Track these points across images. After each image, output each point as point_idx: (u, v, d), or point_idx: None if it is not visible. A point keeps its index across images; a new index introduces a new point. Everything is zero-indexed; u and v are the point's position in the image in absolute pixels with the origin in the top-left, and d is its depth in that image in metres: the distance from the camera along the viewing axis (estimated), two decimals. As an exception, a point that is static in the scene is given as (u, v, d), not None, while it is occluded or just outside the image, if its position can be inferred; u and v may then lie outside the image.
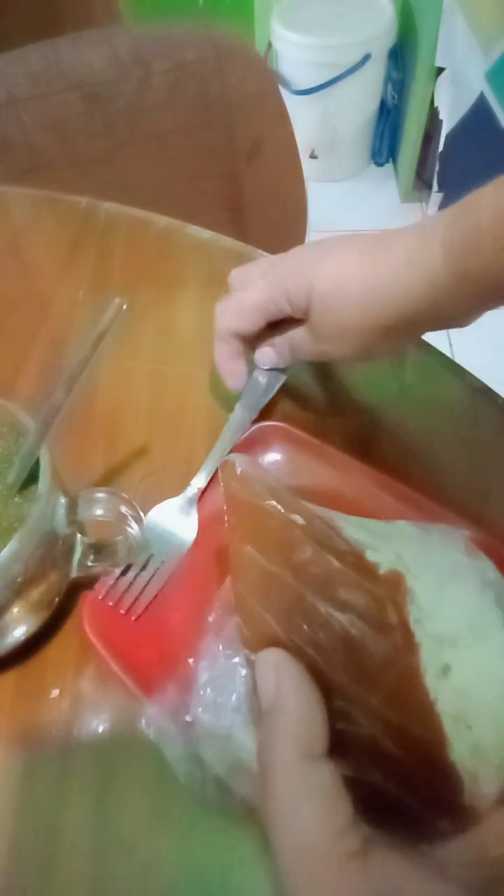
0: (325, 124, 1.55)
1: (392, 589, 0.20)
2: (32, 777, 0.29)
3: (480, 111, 1.27)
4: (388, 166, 1.72)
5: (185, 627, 0.31)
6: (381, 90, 1.56)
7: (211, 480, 0.36)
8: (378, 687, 0.20)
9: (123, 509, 0.30)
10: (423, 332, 0.34)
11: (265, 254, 0.50)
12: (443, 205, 1.50)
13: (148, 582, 0.33)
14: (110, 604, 0.32)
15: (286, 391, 0.40)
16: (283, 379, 0.39)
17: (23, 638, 0.30)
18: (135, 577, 0.33)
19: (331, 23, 1.43)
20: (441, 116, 1.37)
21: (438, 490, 0.34)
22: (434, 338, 0.42)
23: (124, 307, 0.26)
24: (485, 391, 0.41)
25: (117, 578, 0.33)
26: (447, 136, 1.38)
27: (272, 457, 0.37)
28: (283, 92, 0.76)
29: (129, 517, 0.30)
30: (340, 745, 0.20)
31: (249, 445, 0.37)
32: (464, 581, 0.22)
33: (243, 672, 0.26)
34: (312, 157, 1.63)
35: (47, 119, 0.68)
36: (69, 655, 0.32)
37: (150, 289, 0.49)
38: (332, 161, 1.65)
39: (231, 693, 0.26)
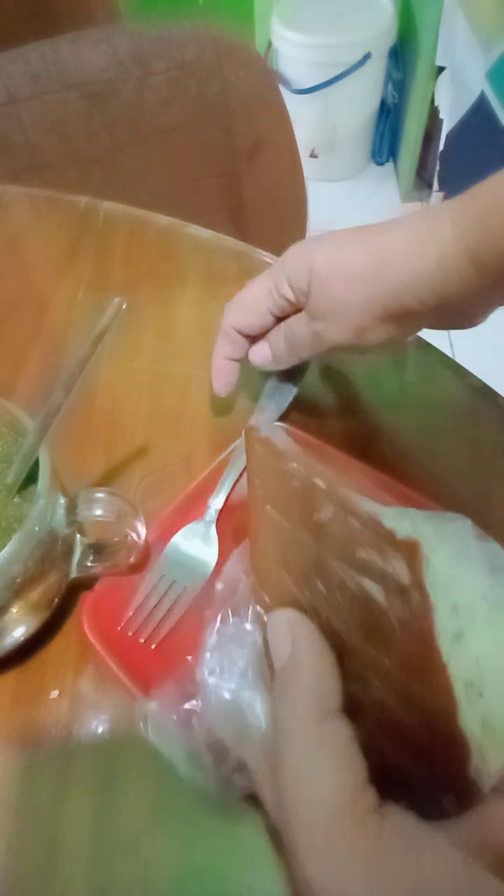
0: (325, 123, 1.55)
1: (409, 552, 0.20)
2: (32, 777, 0.29)
3: (481, 111, 1.27)
4: (389, 166, 1.72)
5: (185, 628, 0.31)
6: (381, 89, 1.56)
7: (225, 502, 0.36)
8: (392, 648, 0.20)
9: (123, 509, 0.30)
10: (421, 326, 0.33)
11: (265, 253, 0.50)
12: (443, 204, 1.49)
13: (169, 610, 0.32)
14: (130, 634, 0.31)
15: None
16: (294, 392, 0.38)
17: (22, 638, 0.30)
18: (155, 606, 0.32)
19: (331, 22, 1.43)
20: (441, 116, 1.37)
21: (439, 490, 0.34)
22: (434, 337, 0.42)
23: (124, 307, 0.26)
24: (485, 391, 0.41)
25: (138, 607, 0.32)
26: (447, 136, 1.38)
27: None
28: (283, 91, 0.76)
29: (129, 517, 0.30)
30: (351, 709, 0.21)
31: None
32: (476, 561, 0.22)
33: (252, 638, 0.26)
34: (312, 156, 1.63)
35: (47, 118, 0.68)
36: (69, 656, 0.32)
37: (150, 288, 0.49)
38: (332, 160, 1.65)
39: (239, 658, 0.25)
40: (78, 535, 0.32)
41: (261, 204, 0.78)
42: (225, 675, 0.24)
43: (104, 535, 0.33)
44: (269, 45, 1.48)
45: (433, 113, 1.40)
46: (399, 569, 0.20)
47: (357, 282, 0.30)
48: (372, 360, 0.43)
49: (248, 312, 0.35)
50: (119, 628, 0.31)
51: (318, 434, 0.37)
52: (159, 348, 0.46)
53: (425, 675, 0.20)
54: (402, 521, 0.21)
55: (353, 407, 0.42)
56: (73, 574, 0.32)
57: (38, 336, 0.46)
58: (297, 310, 0.34)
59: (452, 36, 1.26)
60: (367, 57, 1.42)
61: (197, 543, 0.34)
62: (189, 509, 0.35)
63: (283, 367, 0.37)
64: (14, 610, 0.29)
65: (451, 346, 1.28)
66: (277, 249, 0.38)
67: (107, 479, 0.38)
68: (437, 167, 1.45)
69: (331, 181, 1.69)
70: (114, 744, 0.29)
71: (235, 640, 0.26)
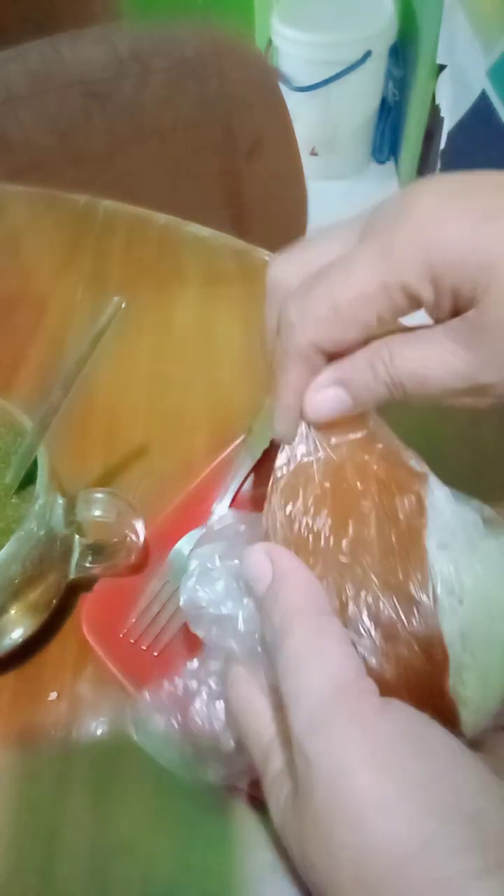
0: (325, 122, 1.55)
1: (417, 478, 0.21)
2: (31, 779, 0.29)
3: (482, 109, 1.27)
4: (390, 164, 1.72)
5: (187, 635, 0.31)
6: (382, 87, 1.56)
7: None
8: (379, 541, 0.21)
9: (122, 510, 0.30)
10: None
11: (265, 252, 0.50)
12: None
13: (171, 618, 0.32)
14: (131, 641, 0.31)
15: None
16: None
17: (20, 640, 0.30)
18: (157, 613, 0.32)
19: (331, 20, 1.42)
20: (442, 114, 1.36)
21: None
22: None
23: (123, 306, 0.26)
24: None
25: (140, 613, 0.32)
26: (449, 134, 1.37)
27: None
28: (284, 89, 0.75)
29: (128, 518, 0.30)
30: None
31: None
32: (470, 507, 0.24)
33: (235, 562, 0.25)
34: (313, 154, 1.62)
35: (46, 117, 0.68)
36: (67, 657, 0.32)
37: (150, 287, 0.49)
38: (332, 159, 1.64)
39: (219, 579, 0.24)
40: (77, 536, 0.31)
41: (261, 202, 0.77)
42: (209, 598, 0.24)
43: (103, 536, 0.32)
44: (269, 42, 1.48)
45: (434, 111, 1.40)
46: (403, 477, 0.22)
47: None
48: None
49: (345, 322, 0.21)
50: (121, 635, 0.31)
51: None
52: (159, 347, 0.45)
53: (410, 566, 0.20)
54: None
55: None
56: (72, 575, 0.32)
57: (37, 335, 0.46)
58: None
59: (453, 34, 1.26)
60: (367, 55, 1.41)
61: None
62: (189, 510, 0.35)
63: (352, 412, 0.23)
64: (12, 611, 0.28)
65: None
66: (277, 248, 0.37)
67: (106, 480, 0.38)
68: (439, 165, 1.44)
69: (331, 179, 1.68)
70: (113, 745, 0.29)
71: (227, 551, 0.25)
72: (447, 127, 1.37)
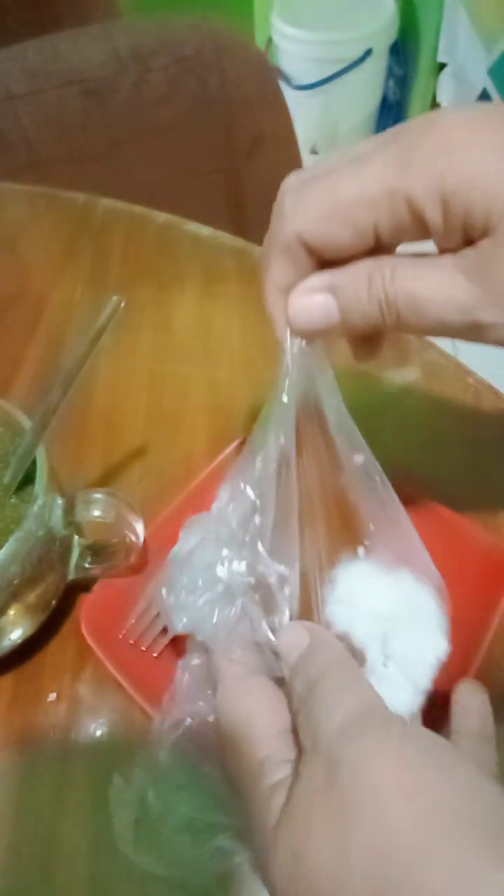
0: (325, 120, 1.54)
1: None
2: (30, 781, 0.29)
3: (482, 107, 1.27)
4: (389, 163, 1.71)
5: (187, 636, 0.31)
6: (382, 86, 1.56)
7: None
8: None
9: (121, 510, 0.30)
10: None
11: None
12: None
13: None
14: (131, 641, 0.31)
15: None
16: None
17: (19, 641, 0.30)
18: (157, 614, 0.31)
19: (332, 18, 1.42)
20: (442, 112, 1.36)
21: (441, 491, 0.34)
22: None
23: (122, 305, 0.26)
24: (488, 391, 0.41)
25: (140, 615, 0.31)
26: (449, 133, 1.37)
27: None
28: (284, 87, 0.75)
29: (128, 518, 0.30)
30: None
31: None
32: None
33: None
34: (313, 152, 1.62)
35: (45, 115, 0.68)
36: (66, 658, 0.32)
37: (149, 286, 0.49)
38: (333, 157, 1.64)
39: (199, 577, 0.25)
40: (76, 536, 0.31)
41: (261, 201, 0.77)
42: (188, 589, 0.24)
43: (102, 536, 0.32)
44: (269, 40, 1.48)
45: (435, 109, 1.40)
46: None
47: None
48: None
49: (338, 219, 0.19)
50: (121, 636, 0.31)
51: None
52: (158, 347, 0.45)
53: None
54: None
55: (354, 407, 0.41)
56: (71, 575, 0.31)
57: (36, 334, 0.46)
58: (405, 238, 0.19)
59: (454, 32, 1.26)
60: (368, 53, 1.41)
61: None
62: (188, 510, 0.35)
63: (334, 337, 0.22)
64: (11, 612, 0.28)
65: (453, 344, 1.27)
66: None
67: (105, 480, 0.38)
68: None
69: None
70: (112, 746, 0.29)
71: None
72: (447, 125, 1.37)
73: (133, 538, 0.30)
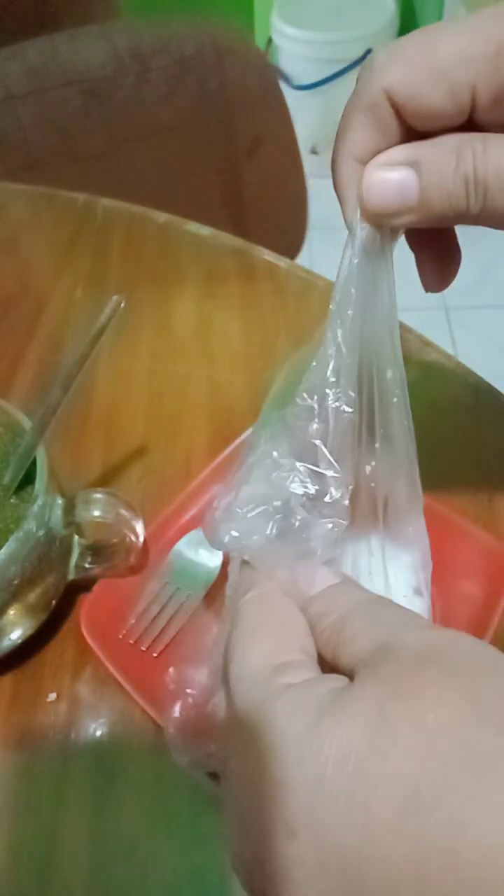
0: (325, 120, 1.54)
1: None
2: (30, 781, 0.29)
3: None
4: (389, 163, 1.71)
5: (188, 636, 0.31)
6: (381, 86, 1.56)
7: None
8: None
9: (121, 510, 0.30)
10: None
11: (265, 251, 0.50)
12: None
13: (171, 619, 0.32)
14: (131, 641, 0.31)
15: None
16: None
17: (20, 640, 0.30)
18: (157, 614, 0.32)
19: (331, 18, 1.42)
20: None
21: (442, 491, 0.34)
22: (436, 336, 0.42)
23: (122, 305, 0.26)
24: (488, 391, 0.41)
25: (140, 615, 0.31)
26: (448, 133, 1.37)
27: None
28: (284, 87, 0.75)
29: (128, 518, 0.30)
30: None
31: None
32: None
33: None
34: (313, 152, 1.62)
35: (45, 115, 0.68)
36: (66, 658, 0.32)
37: (149, 286, 0.49)
38: (332, 157, 1.64)
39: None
40: (76, 536, 0.31)
41: (261, 201, 0.77)
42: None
43: (102, 536, 0.32)
44: (269, 40, 1.48)
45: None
46: None
47: None
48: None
49: (434, 76, 0.17)
50: (121, 636, 0.31)
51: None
52: (158, 347, 0.45)
53: None
54: None
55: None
56: (71, 575, 0.31)
57: (36, 334, 0.46)
58: None
59: (453, 32, 1.26)
60: (368, 53, 1.41)
61: (201, 550, 0.34)
62: (188, 510, 0.35)
63: (419, 225, 0.19)
64: (11, 612, 0.28)
65: (454, 344, 1.27)
66: (278, 247, 0.37)
67: (105, 480, 0.38)
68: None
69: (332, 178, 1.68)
70: (112, 746, 0.29)
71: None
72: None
73: (133, 538, 0.30)
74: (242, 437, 0.36)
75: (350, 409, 0.21)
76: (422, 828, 0.12)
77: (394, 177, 0.18)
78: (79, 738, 0.29)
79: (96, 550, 0.32)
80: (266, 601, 0.19)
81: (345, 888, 0.13)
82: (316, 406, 0.21)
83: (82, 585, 0.32)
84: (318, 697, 0.15)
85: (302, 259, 0.75)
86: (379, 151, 0.19)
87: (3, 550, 0.26)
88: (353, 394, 0.21)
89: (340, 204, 0.20)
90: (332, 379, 0.21)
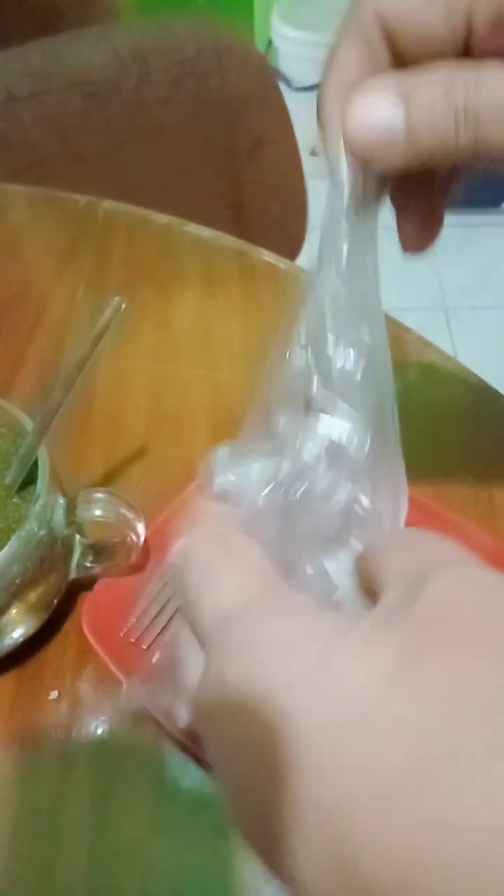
0: (325, 122, 1.55)
1: None
2: (31, 780, 0.29)
3: (482, 108, 1.27)
4: (389, 164, 1.71)
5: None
6: (381, 87, 1.56)
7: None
8: None
9: (123, 510, 0.30)
10: None
11: (265, 252, 0.50)
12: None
13: (171, 618, 0.31)
14: (132, 640, 0.31)
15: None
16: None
17: (21, 640, 0.30)
18: (158, 613, 0.32)
19: (331, 19, 1.41)
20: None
21: (441, 492, 0.34)
22: (436, 336, 0.42)
23: (123, 306, 0.26)
24: (488, 392, 0.41)
25: (140, 614, 0.32)
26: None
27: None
28: (284, 89, 0.75)
29: (129, 518, 0.30)
30: None
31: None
32: None
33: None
34: (313, 154, 1.62)
35: (46, 117, 0.68)
36: (68, 657, 0.32)
37: (150, 287, 0.49)
38: (332, 159, 1.64)
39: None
40: (77, 536, 0.31)
41: (261, 202, 0.77)
42: None
43: (104, 536, 0.32)
44: (270, 42, 1.48)
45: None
46: None
47: None
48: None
49: None
50: (122, 635, 0.31)
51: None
52: (159, 348, 0.45)
53: None
54: None
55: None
56: (73, 575, 0.32)
57: (37, 335, 0.46)
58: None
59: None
60: (367, 55, 1.41)
61: None
62: (188, 510, 0.35)
63: (407, 168, 0.17)
64: (13, 611, 0.28)
65: (453, 344, 1.27)
66: (278, 248, 0.38)
67: (106, 480, 0.38)
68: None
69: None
70: (113, 745, 0.29)
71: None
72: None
73: (134, 538, 0.31)
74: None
75: (354, 351, 0.20)
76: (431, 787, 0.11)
77: (382, 109, 0.17)
78: (80, 737, 0.30)
79: (98, 550, 0.32)
80: (215, 534, 0.18)
81: (345, 838, 0.12)
82: (312, 358, 0.20)
83: (83, 585, 0.32)
84: (326, 627, 0.14)
85: (302, 260, 0.75)
86: (367, 77, 0.17)
87: (5, 550, 0.26)
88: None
89: (325, 140, 0.19)
90: (331, 322, 0.20)
